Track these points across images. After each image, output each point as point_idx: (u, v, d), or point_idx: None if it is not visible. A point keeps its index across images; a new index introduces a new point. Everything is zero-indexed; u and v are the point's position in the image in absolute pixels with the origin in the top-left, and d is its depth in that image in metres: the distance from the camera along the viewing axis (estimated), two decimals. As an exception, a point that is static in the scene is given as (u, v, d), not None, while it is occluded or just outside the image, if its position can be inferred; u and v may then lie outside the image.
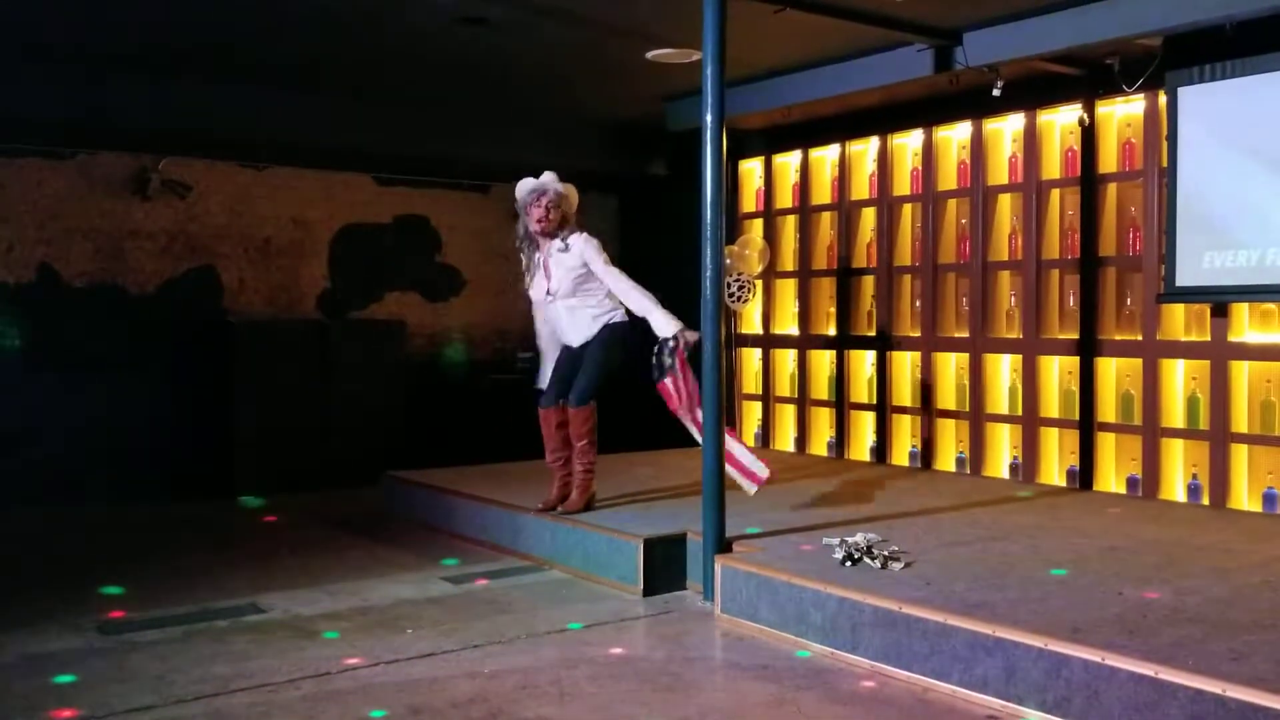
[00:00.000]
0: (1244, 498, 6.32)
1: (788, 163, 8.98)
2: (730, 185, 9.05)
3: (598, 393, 5.96)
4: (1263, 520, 5.96)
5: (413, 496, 7.31)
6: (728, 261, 7.38)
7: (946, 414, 7.81)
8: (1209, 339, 6.44)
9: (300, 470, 8.29)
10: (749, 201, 9.31)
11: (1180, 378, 6.66)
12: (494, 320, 10.03)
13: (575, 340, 6.01)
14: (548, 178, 5.93)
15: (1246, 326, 6.35)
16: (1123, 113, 6.94)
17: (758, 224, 9.11)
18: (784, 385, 8.99)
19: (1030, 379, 7.26)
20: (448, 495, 6.90)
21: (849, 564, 4.80)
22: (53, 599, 5.26)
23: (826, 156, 8.67)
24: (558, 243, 5.91)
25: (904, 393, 8.10)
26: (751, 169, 9.27)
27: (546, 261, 5.96)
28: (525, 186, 5.95)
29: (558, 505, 6.09)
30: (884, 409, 8.16)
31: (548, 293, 5.96)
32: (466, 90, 8.05)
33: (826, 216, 8.68)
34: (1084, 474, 6.96)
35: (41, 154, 8.00)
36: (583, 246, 5.87)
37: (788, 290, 8.99)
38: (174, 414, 8.28)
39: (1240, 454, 6.34)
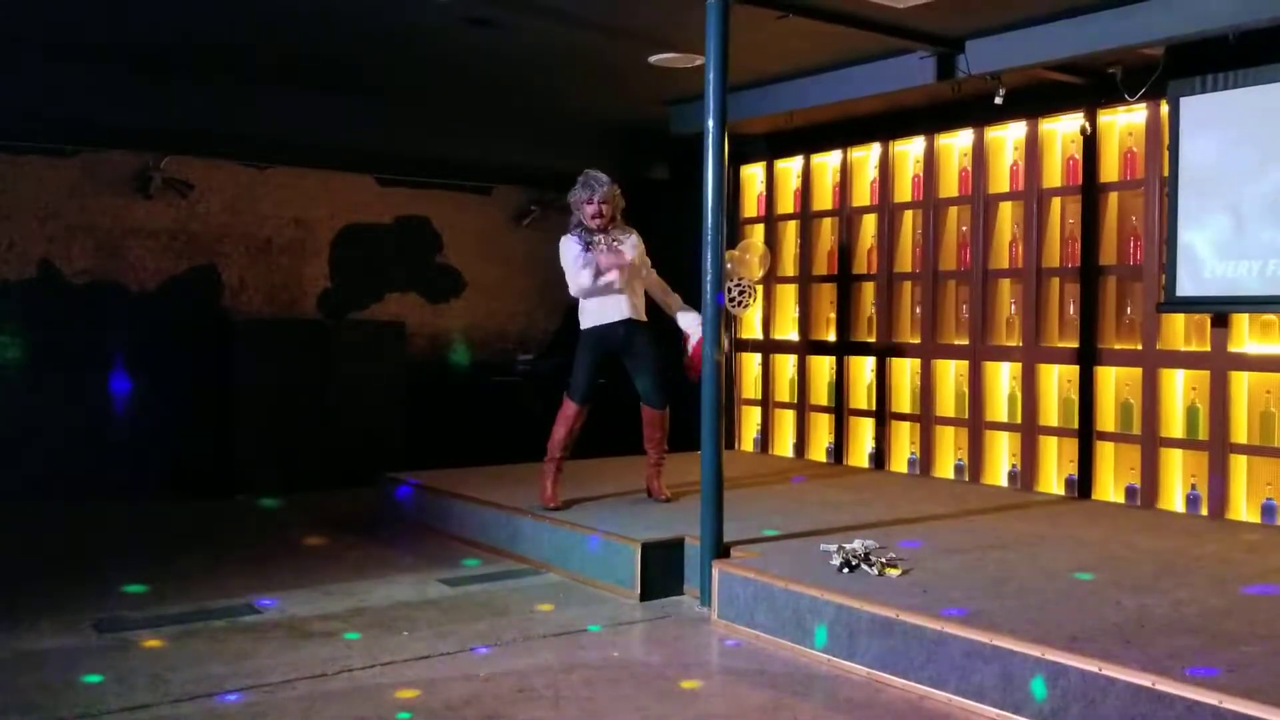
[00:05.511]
0: (1242, 508, 6.31)
1: (789, 168, 8.98)
2: (732, 190, 9.04)
3: None
4: (1261, 531, 5.96)
5: (411, 497, 7.30)
6: (728, 266, 7.37)
7: (945, 421, 7.81)
8: (1209, 349, 6.43)
9: (299, 470, 8.29)
10: (750, 206, 9.30)
11: (1180, 388, 6.66)
12: (494, 322, 10.03)
13: (635, 314, 6.26)
14: (594, 177, 6.18)
15: (1246, 337, 6.34)
16: (1124, 122, 6.94)
17: (759, 229, 9.10)
18: (783, 390, 8.99)
19: (1030, 387, 7.25)
20: (446, 497, 6.90)
21: (846, 570, 4.80)
22: (50, 597, 5.26)
23: (828, 162, 8.67)
24: (622, 237, 6.21)
25: (903, 399, 8.10)
26: (753, 174, 9.27)
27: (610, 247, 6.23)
28: (578, 187, 6.21)
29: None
30: (883, 415, 8.16)
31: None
32: (469, 91, 8.05)
33: (828, 222, 8.67)
34: (1083, 483, 6.96)
35: (44, 151, 8.00)
36: (636, 242, 6.24)
37: (788, 295, 8.99)
38: (173, 412, 8.27)
39: (1239, 465, 6.34)
